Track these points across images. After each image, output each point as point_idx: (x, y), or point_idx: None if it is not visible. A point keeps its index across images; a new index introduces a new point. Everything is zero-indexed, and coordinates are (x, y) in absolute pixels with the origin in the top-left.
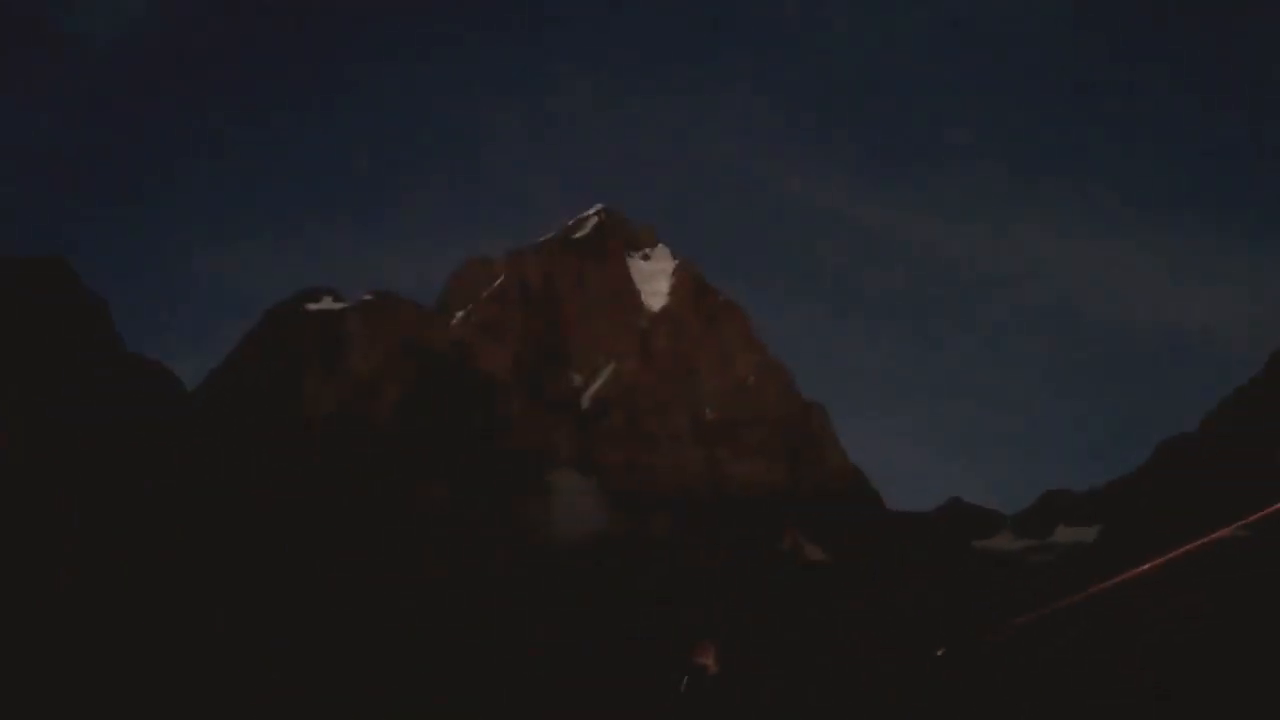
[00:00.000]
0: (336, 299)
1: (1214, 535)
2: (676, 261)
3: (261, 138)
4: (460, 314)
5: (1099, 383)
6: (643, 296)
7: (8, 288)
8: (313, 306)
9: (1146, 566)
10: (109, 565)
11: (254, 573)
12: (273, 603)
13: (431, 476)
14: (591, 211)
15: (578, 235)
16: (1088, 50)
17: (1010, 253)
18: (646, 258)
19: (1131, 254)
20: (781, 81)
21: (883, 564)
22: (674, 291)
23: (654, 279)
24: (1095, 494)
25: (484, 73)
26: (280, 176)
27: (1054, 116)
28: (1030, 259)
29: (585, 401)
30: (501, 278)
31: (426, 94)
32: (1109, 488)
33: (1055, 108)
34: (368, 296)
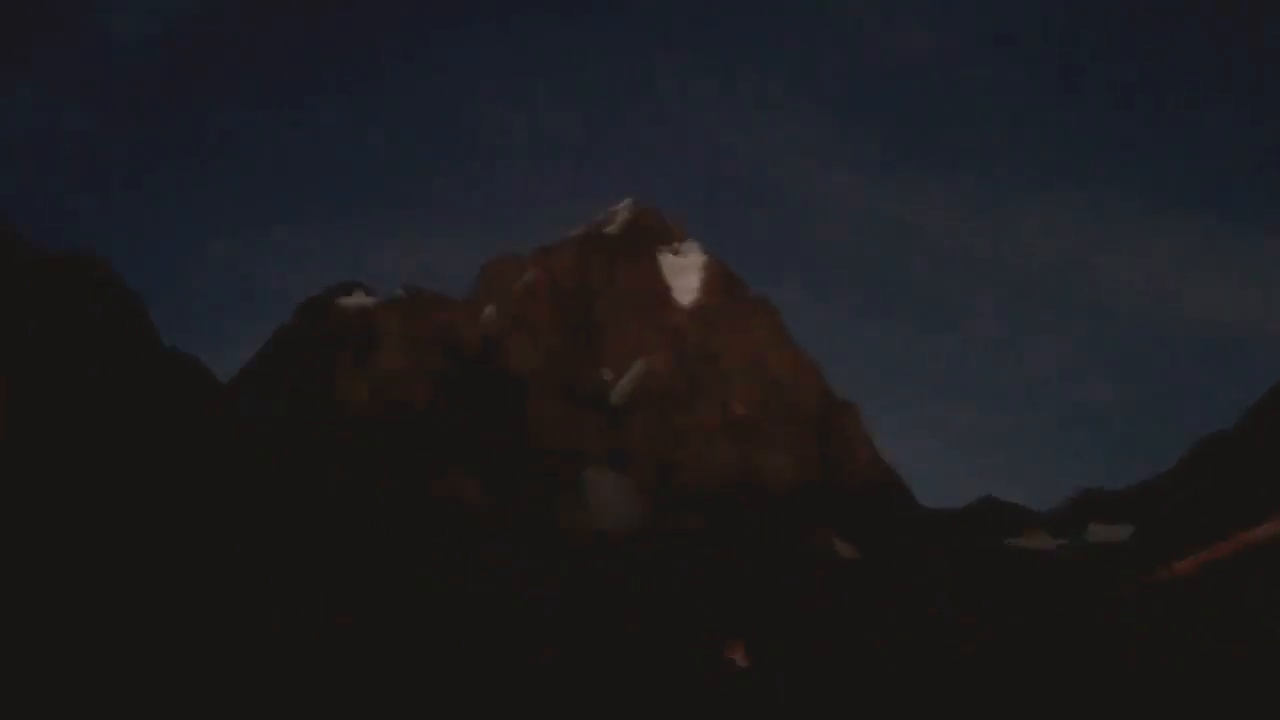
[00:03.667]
0: (368, 294)
1: (1251, 534)
2: (707, 256)
3: (291, 132)
4: (490, 309)
5: (1134, 380)
6: (673, 292)
7: (46, 284)
8: (345, 301)
9: (1181, 565)
10: (142, 562)
11: (288, 568)
12: (305, 596)
13: (464, 473)
14: (622, 206)
15: (608, 230)
16: (1115, 51)
17: (1045, 250)
18: (677, 253)
19: (1169, 249)
20: (815, 78)
21: (914, 561)
22: (704, 287)
23: (685, 274)
24: (1130, 492)
25: (517, 64)
26: (310, 171)
27: (1087, 112)
28: (1066, 256)
29: (615, 398)
30: (532, 273)
31: (458, 86)
32: (1144, 486)
33: (1089, 103)
34: (399, 291)
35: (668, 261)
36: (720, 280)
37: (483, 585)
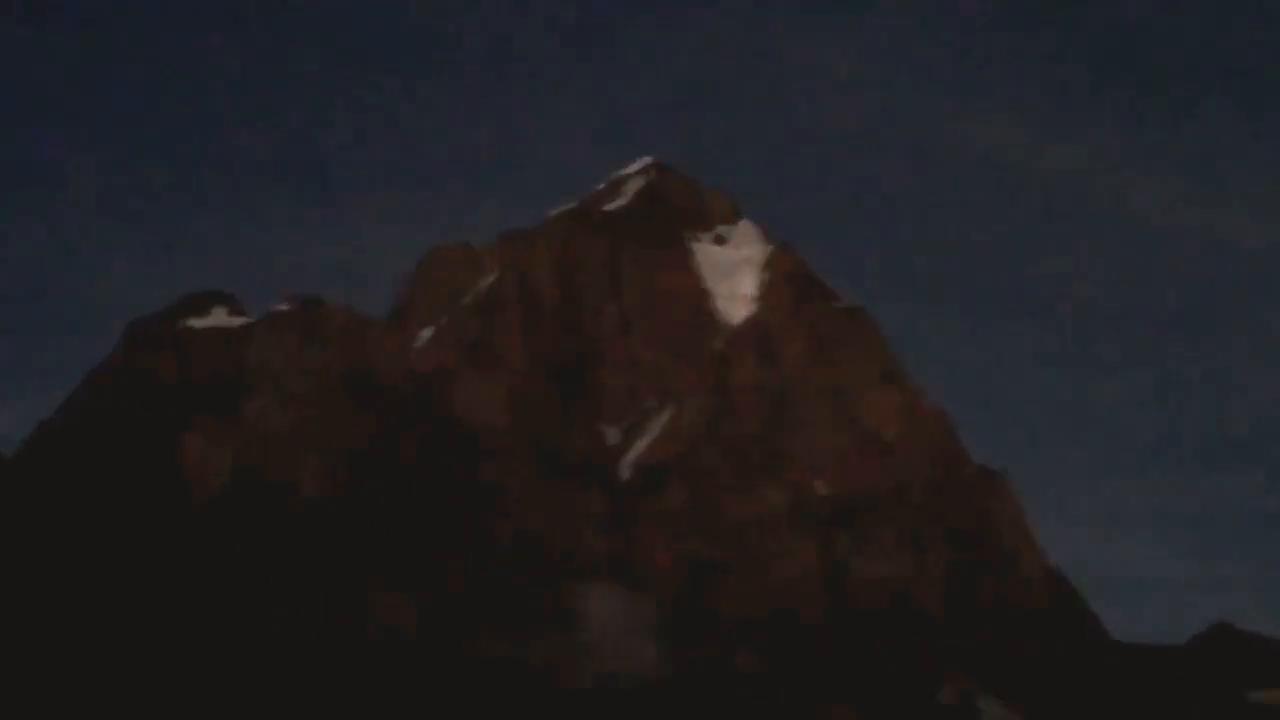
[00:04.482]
0: (234, 310)
1: None
2: (770, 246)
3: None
4: (427, 332)
5: None
6: (717, 302)
7: None
8: (197, 322)
9: None
10: None
11: None
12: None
13: (387, 587)
14: (636, 169)
15: (613, 206)
16: None
17: None
18: (722, 241)
19: None
20: None
21: None
22: (766, 293)
23: (735, 274)
24: None
25: None
26: (137, 130)
27: None
28: None
29: (626, 469)
30: (492, 275)
31: None
32: None
33: None
34: (282, 305)
35: (708, 254)
36: (792, 282)
37: None
